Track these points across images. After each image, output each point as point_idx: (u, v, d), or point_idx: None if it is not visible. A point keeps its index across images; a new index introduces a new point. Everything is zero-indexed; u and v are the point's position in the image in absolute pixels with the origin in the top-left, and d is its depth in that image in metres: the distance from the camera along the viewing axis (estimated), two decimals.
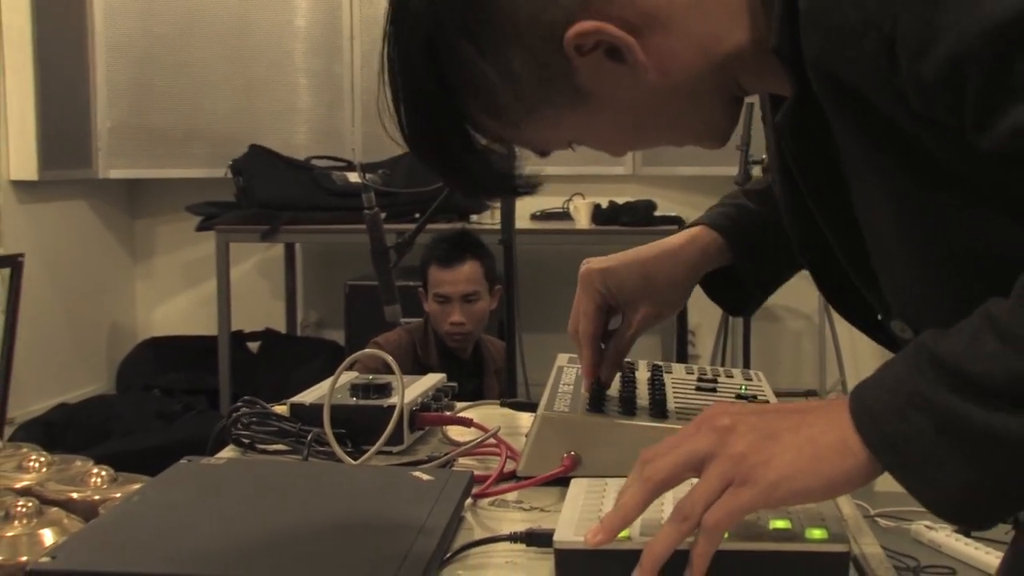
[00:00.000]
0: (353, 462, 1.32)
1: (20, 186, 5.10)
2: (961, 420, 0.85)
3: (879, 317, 1.16)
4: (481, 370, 3.79)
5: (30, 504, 2.24)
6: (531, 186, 1.16)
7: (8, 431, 4.59)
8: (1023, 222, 0.91)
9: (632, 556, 0.92)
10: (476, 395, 3.71)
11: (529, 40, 1.02)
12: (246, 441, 1.41)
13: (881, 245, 1.05)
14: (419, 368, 3.65)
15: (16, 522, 2.17)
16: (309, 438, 1.35)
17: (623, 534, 0.94)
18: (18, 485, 2.43)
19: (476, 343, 3.80)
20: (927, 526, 3.95)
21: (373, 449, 1.34)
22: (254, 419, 1.42)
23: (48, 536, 2.22)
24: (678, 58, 1.03)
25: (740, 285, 1.40)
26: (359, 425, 1.38)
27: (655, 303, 1.34)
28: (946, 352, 0.87)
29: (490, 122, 1.10)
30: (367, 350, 1.53)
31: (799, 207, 1.13)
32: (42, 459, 2.59)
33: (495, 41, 1.03)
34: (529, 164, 1.18)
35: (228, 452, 1.41)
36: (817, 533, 0.95)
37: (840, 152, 1.03)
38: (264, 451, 1.40)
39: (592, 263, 1.37)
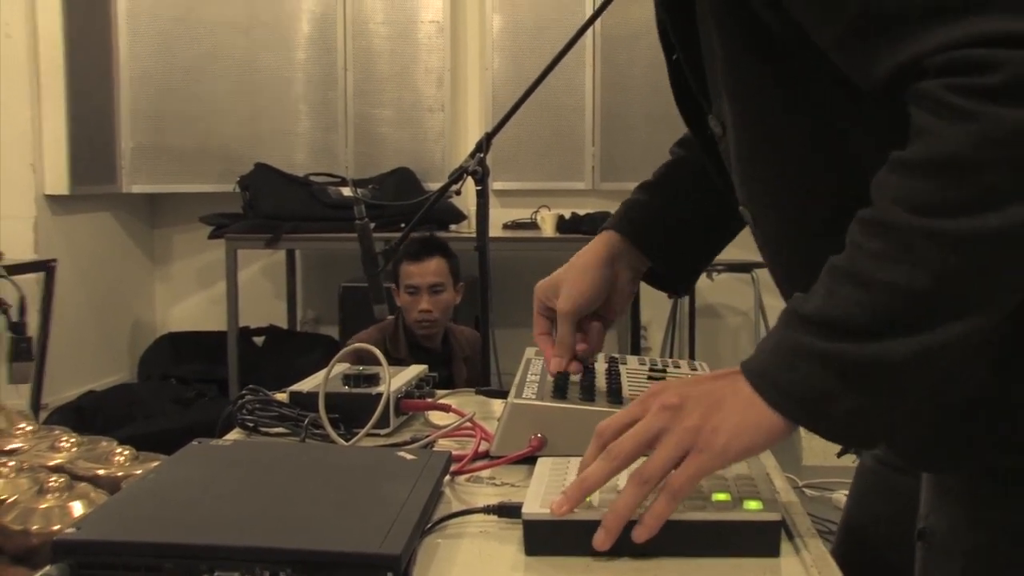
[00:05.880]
0: (345, 443, 1.31)
1: (53, 199, 5.09)
2: (843, 357, 0.86)
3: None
4: (450, 358, 3.79)
5: (62, 480, 2.22)
6: None
7: (42, 415, 4.56)
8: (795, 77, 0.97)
9: (588, 524, 0.92)
10: (447, 381, 3.71)
11: None
12: (250, 425, 1.39)
13: (714, 73, 1.08)
14: (389, 360, 3.65)
15: (49, 495, 2.15)
16: (306, 422, 1.34)
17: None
18: (51, 463, 2.40)
19: (445, 334, 3.81)
20: (845, 494, 3.95)
21: (363, 432, 1.33)
22: (257, 405, 1.41)
23: (78, 508, 2.20)
24: None
25: (665, 270, 1.38)
26: (350, 411, 1.36)
27: (567, 295, 1.32)
28: (810, 310, 0.89)
29: None
30: (352, 346, 1.51)
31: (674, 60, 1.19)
32: (72, 440, 2.56)
33: None
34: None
35: (234, 434, 1.39)
36: (753, 504, 0.95)
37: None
38: (266, 434, 1.38)
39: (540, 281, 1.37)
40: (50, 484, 2.19)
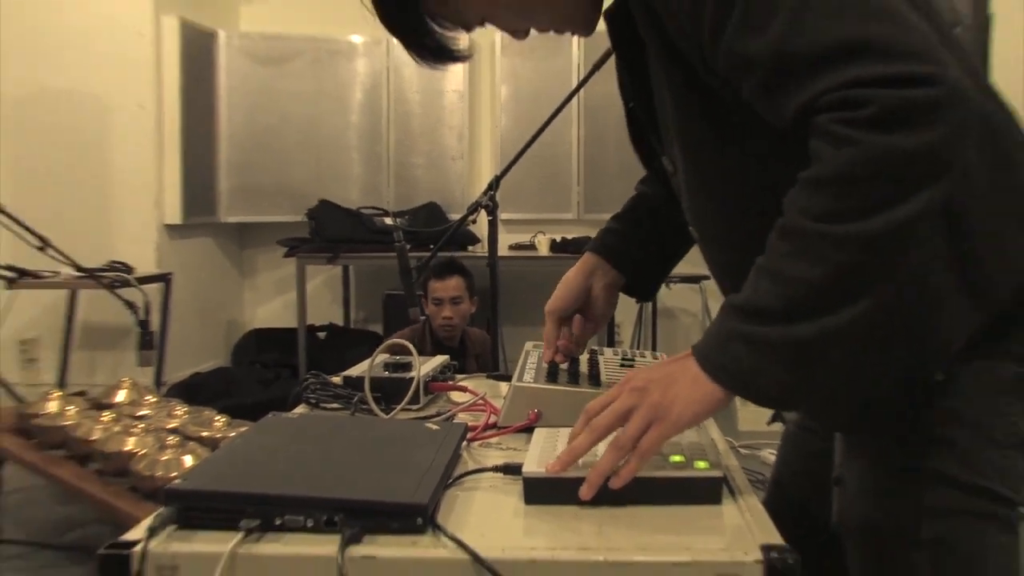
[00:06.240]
0: (385, 416, 1.30)
1: (170, 228, 5.12)
2: (764, 339, 0.85)
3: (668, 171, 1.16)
4: (465, 354, 3.78)
5: (176, 439, 2.22)
6: (465, 56, 1.11)
7: (162, 390, 4.57)
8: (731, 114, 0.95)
9: (576, 480, 0.91)
10: (460, 371, 3.66)
11: None
12: (313, 401, 1.38)
13: (664, 113, 1.06)
14: (419, 354, 3.64)
15: (168, 450, 2.15)
16: (355, 399, 1.33)
17: None
18: (169, 426, 2.40)
19: (462, 336, 3.80)
20: (771, 452, 3.92)
21: (399, 407, 1.32)
22: (318, 386, 1.39)
23: (188, 460, 2.20)
24: None
25: (633, 281, 1.37)
26: (389, 391, 1.35)
27: (551, 300, 1.32)
28: (740, 301, 0.88)
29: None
30: (389, 342, 1.50)
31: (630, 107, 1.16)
32: (184, 409, 2.56)
33: None
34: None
35: (301, 409, 1.38)
36: (702, 464, 0.93)
37: (646, 48, 1.04)
38: (325, 408, 1.37)
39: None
40: (168, 442, 2.19)
